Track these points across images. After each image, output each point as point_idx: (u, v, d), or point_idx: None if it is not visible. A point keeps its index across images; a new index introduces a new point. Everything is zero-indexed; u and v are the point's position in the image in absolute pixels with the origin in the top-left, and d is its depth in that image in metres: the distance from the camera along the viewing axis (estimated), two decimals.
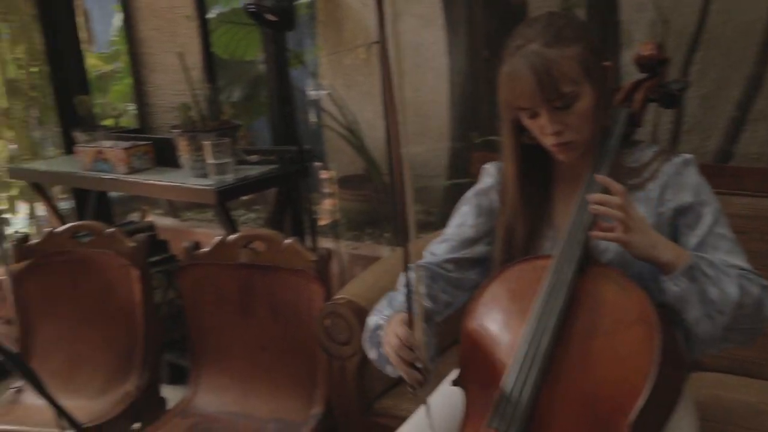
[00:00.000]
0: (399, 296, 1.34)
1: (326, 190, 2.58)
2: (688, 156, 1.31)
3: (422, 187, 3.51)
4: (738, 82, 2.22)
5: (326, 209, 3.69)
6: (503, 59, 1.24)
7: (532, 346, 1.18)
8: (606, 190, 1.18)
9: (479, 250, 1.42)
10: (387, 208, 3.48)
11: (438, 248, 1.44)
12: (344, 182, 3.80)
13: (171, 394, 2.12)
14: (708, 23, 2.35)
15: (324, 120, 3.64)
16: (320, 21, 3.23)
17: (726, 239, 1.25)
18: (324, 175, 3.72)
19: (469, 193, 1.46)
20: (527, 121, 1.26)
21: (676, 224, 1.27)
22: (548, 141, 1.25)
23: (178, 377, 2.62)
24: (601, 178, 1.19)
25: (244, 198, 4.22)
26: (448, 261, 1.42)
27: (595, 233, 1.17)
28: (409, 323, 1.16)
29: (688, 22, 2.29)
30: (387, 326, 1.27)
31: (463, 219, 1.44)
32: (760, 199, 1.64)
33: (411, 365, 1.17)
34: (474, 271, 1.43)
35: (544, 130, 1.23)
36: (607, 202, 1.15)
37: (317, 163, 3.63)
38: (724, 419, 1.49)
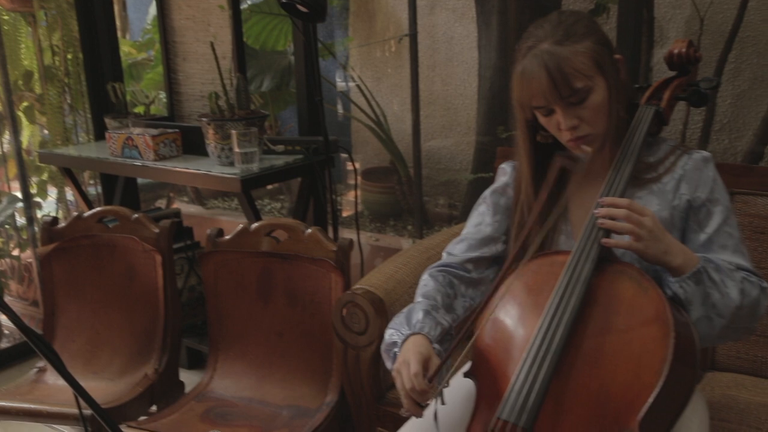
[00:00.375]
0: (418, 313, 1.32)
1: (351, 181, 2.58)
2: (707, 153, 1.32)
3: (448, 181, 3.50)
4: None
5: (350, 200, 3.70)
6: (516, 61, 1.26)
7: (545, 341, 1.18)
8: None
9: (497, 248, 1.44)
10: (410, 201, 3.47)
11: (456, 248, 1.45)
12: (369, 174, 3.80)
13: (190, 379, 2.15)
14: (745, 21, 2.31)
15: (352, 111, 3.66)
16: (352, 12, 3.24)
17: (733, 238, 1.27)
18: (349, 166, 3.73)
19: (486, 192, 1.48)
20: (542, 119, 1.28)
21: (686, 217, 1.29)
22: (565, 137, 1.27)
23: (198, 362, 2.65)
24: (606, 200, 1.20)
25: (270, 188, 4.26)
26: (467, 261, 1.43)
27: (605, 240, 1.19)
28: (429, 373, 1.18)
29: (724, 19, 2.25)
30: (403, 349, 1.27)
31: (481, 218, 1.45)
32: None
33: (417, 404, 1.20)
34: (492, 270, 1.45)
35: (560, 126, 1.25)
36: (614, 216, 1.17)
37: (343, 155, 3.65)
38: (736, 419, 1.47)
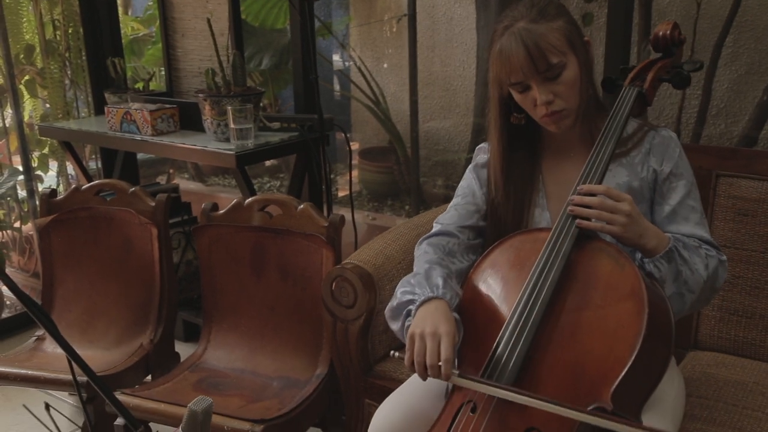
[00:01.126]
0: (437, 278, 1.32)
1: (349, 160, 2.61)
2: (671, 131, 1.39)
3: (446, 161, 3.52)
4: None
5: (347, 179, 3.73)
6: (493, 41, 1.32)
7: (524, 313, 1.21)
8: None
9: (484, 219, 1.48)
10: (408, 181, 3.50)
11: (446, 218, 1.49)
12: (368, 154, 3.83)
13: (186, 351, 2.19)
14: (743, 6, 2.32)
15: (351, 91, 3.67)
16: None
17: (696, 211, 1.35)
18: (350, 146, 3.75)
19: (468, 169, 1.53)
20: (518, 97, 1.33)
21: (653, 188, 1.36)
22: (540, 112, 1.32)
23: (194, 335, 2.69)
24: (583, 188, 1.25)
25: (269, 165, 4.29)
26: (460, 227, 1.47)
27: (579, 222, 1.24)
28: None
29: (722, 4, 2.26)
30: (425, 312, 1.25)
31: (468, 191, 1.50)
32: None
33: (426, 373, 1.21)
34: (483, 239, 1.49)
35: (535, 102, 1.30)
36: (587, 203, 1.23)
37: (343, 134, 3.67)
38: (713, 396, 1.50)
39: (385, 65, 3.64)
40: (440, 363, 1.18)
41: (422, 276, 1.34)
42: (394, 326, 1.37)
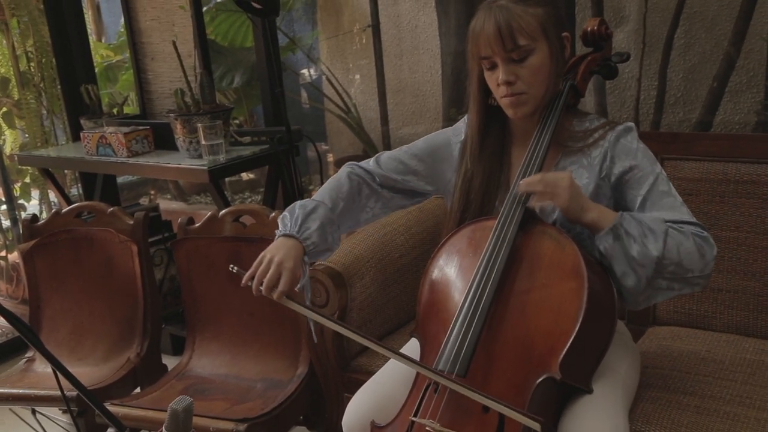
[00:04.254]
0: (314, 221, 1.45)
1: (328, 172, 2.68)
2: (629, 123, 1.43)
3: None
4: (720, 56, 2.30)
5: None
6: (477, 14, 1.38)
7: (476, 298, 1.30)
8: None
9: (413, 184, 1.57)
10: None
11: (387, 162, 1.58)
12: (343, 163, 3.91)
13: (174, 364, 2.26)
14: None
15: (323, 103, 3.76)
16: (320, 6, 3.34)
17: (669, 195, 1.36)
18: (329, 157, 3.84)
19: (448, 132, 1.60)
20: (486, 74, 1.39)
21: (621, 188, 1.39)
22: (501, 92, 1.37)
23: (182, 348, 2.75)
24: (521, 185, 1.32)
25: (250, 180, 4.36)
26: (388, 179, 1.56)
27: (530, 203, 1.33)
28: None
29: None
30: (280, 244, 1.41)
31: (420, 152, 1.57)
32: (708, 163, 1.73)
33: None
34: (399, 197, 1.60)
35: (498, 80, 1.35)
36: (531, 191, 1.31)
37: (324, 145, 3.75)
38: (669, 366, 1.59)
39: (357, 76, 3.73)
40: (277, 289, 1.35)
41: (307, 210, 1.46)
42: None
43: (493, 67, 1.37)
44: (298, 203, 1.49)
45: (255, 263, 1.40)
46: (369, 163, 1.58)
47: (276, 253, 1.39)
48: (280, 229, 1.46)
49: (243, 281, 1.40)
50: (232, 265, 1.39)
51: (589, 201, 1.32)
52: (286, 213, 1.47)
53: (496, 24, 1.32)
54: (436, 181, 1.57)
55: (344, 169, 1.57)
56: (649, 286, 1.29)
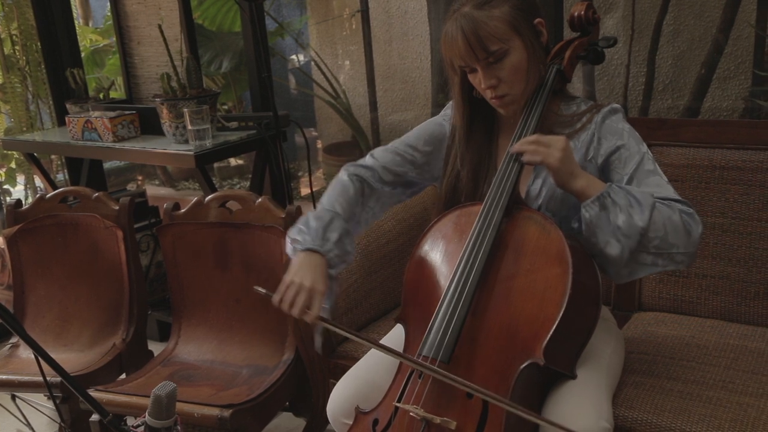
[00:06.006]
0: (334, 231, 1.41)
1: (308, 153, 2.67)
2: (615, 105, 1.43)
3: None
4: (708, 42, 2.30)
5: (317, 177, 3.80)
6: (444, 22, 1.37)
7: (460, 283, 1.30)
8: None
9: (411, 175, 1.56)
10: None
11: (382, 155, 1.55)
12: (333, 149, 3.90)
13: (160, 350, 2.25)
14: None
15: (312, 88, 3.74)
16: None
17: (655, 174, 1.35)
18: (318, 144, 3.83)
19: (438, 118, 1.58)
20: (470, 77, 1.39)
21: (608, 168, 1.38)
22: (487, 95, 1.39)
23: (168, 334, 2.74)
24: (514, 147, 1.32)
25: (238, 165, 4.34)
26: (386, 171, 1.54)
27: (526, 158, 1.30)
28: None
29: None
30: (303, 261, 1.37)
31: (415, 141, 1.56)
32: (695, 150, 1.73)
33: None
34: (398, 190, 1.58)
35: (481, 84, 1.36)
36: (524, 150, 1.30)
37: (313, 131, 3.72)
38: (653, 351, 1.60)
39: (347, 62, 3.71)
40: (311, 313, 1.32)
41: (324, 223, 1.42)
42: (289, 236, 1.45)
43: (473, 71, 1.37)
44: (310, 214, 1.45)
45: (283, 285, 1.36)
46: (366, 160, 1.56)
47: (304, 276, 1.35)
48: (299, 241, 1.41)
49: (273, 302, 1.36)
50: (257, 286, 1.35)
51: (580, 168, 1.31)
52: (301, 226, 1.43)
53: (463, 35, 1.32)
54: (432, 169, 1.56)
55: (344, 171, 1.55)
56: (633, 260, 1.27)
